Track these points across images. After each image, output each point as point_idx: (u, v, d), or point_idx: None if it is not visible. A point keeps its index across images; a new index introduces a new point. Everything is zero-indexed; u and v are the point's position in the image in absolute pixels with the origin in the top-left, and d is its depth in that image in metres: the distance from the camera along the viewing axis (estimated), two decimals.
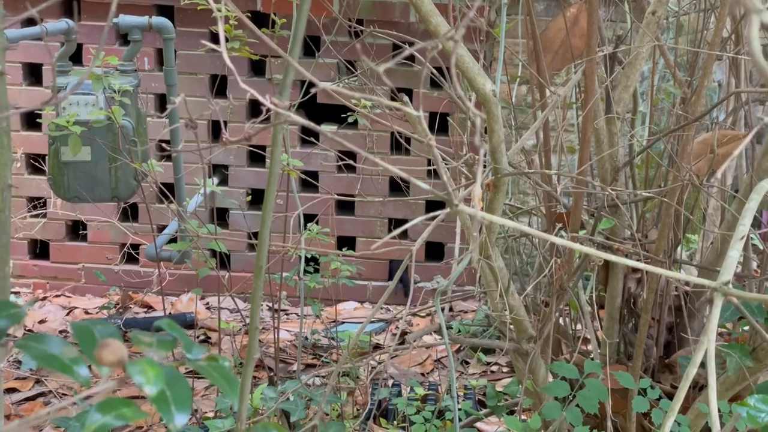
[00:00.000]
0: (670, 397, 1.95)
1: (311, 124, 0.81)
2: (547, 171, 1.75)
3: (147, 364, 0.55)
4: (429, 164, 3.54)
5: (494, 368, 3.22)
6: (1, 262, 0.85)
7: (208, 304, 3.73)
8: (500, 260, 1.88)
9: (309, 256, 3.24)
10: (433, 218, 1.09)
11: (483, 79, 1.59)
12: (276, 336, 2.60)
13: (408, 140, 3.46)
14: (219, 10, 2.56)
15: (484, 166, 1.92)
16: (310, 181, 3.53)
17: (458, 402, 2.64)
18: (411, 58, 3.08)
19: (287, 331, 3.45)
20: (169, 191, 3.58)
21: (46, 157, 3.08)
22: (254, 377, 3.02)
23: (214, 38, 3.38)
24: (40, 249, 3.84)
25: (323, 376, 2.91)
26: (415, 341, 1.86)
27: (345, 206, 3.81)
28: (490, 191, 1.73)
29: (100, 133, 2.88)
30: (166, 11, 3.53)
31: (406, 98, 2.13)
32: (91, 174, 2.99)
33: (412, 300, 3.52)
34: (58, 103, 2.93)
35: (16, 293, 3.78)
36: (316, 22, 2.88)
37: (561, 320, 2.23)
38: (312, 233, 2.71)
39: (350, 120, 2.66)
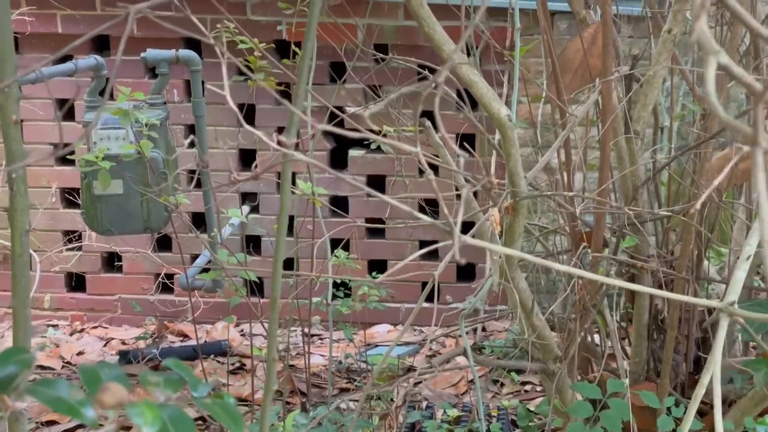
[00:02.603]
0: (701, 414, 1.95)
1: (319, 164, 0.83)
2: (564, 193, 1.77)
3: (146, 406, 0.58)
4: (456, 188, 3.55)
5: (528, 387, 3.22)
6: (21, 305, 0.88)
7: (242, 330, 3.76)
8: (523, 282, 1.89)
9: (339, 281, 3.26)
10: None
11: (498, 104, 1.61)
12: (307, 361, 2.62)
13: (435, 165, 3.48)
14: (244, 42, 2.61)
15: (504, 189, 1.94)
16: (338, 208, 3.56)
17: (489, 423, 2.65)
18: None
19: (321, 355, 3.47)
20: (201, 220, 3.63)
21: (80, 191, 3.14)
22: (288, 403, 3.04)
23: (242, 70, 3.43)
24: (76, 281, 3.90)
25: (356, 401, 2.92)
26: (440, 365, 1.88)
27: (375, 230, 3.83)
28: (510, 214, 1.74)
29: (130, 166, 2.93)
30: (194, 44, 3.58)
31: (428, 123, 2.15)
32: (123, 207, 3.04)
33: (444, 322, 3.53)
34: (80, 138, 2.98)
35: (54, 326, 3.83)
36: (338, 50, 2.92)
37: (589, 338, 2.24)
38: (340, 259, 2.73)
39: (373, 147, 2.69)
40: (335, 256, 2.72)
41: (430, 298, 3.56)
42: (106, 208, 3.03)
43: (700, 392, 0.93)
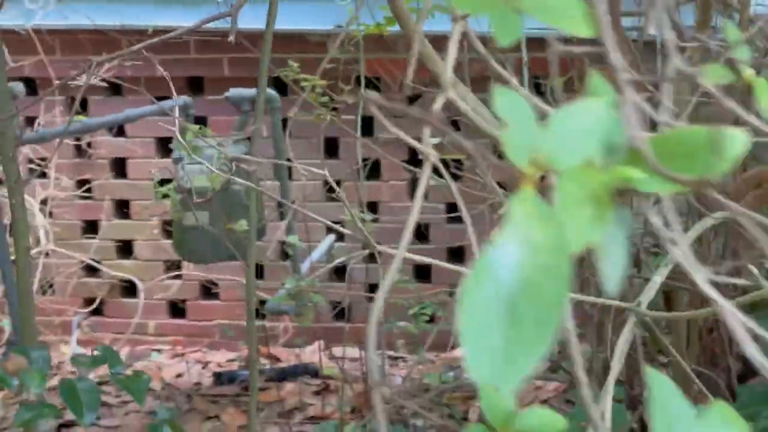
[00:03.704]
0: None
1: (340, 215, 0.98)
2: None
3: (36, 372, 0.74)
4: None
5: None
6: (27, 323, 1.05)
7: (331, 354, 3.93)
8: None
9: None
10: None
11: None
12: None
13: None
14: (306, 80, 2.79)
15: None
16: (418, 234, 3.71)
17: None
18: None
19: (400, 377, 3.61)
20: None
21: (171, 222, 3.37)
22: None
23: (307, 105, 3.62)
24: (177, 308, 4.14)
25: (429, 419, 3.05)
26: None
27: (456, 256, 3.95)
28: None
29: (216, 199, 3.14)
30: (279, 82, 3.79)
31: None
32: (209, 236, 3.25)
33: None
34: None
35: (158, 350, 4.08)
36: (419, 85, 3.08)
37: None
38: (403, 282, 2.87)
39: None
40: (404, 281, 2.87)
41: None
42: (193, 237, 3.25)
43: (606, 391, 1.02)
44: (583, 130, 0.42)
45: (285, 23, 3.09)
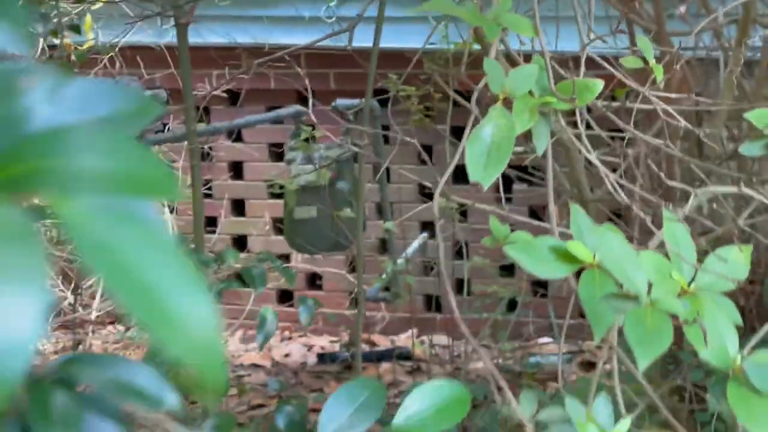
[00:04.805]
0: None
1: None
2: None
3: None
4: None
5: None
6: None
7: (423, 341, 4.33)
8: None
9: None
10: None
11: None
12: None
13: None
14: (404, 90, 3.21)
15: None
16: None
17: None
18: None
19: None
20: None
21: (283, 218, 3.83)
22: None
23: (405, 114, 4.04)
24: (286, 297, 4.60)
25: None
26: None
27: None
28: None
29: (321, 195, 3.58)
30: (380, 93, 4.22)
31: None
32: (317, 229, 3.69)
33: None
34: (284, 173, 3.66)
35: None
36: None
37: None
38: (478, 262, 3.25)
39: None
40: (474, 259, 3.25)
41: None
42: (302, 230, 3.70)
43: None
44: (527, 77, 0.85)
45: (385, 41, 3.51)
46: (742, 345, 0.76)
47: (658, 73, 1.14)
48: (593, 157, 1.08)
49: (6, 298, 0.30)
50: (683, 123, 1.21)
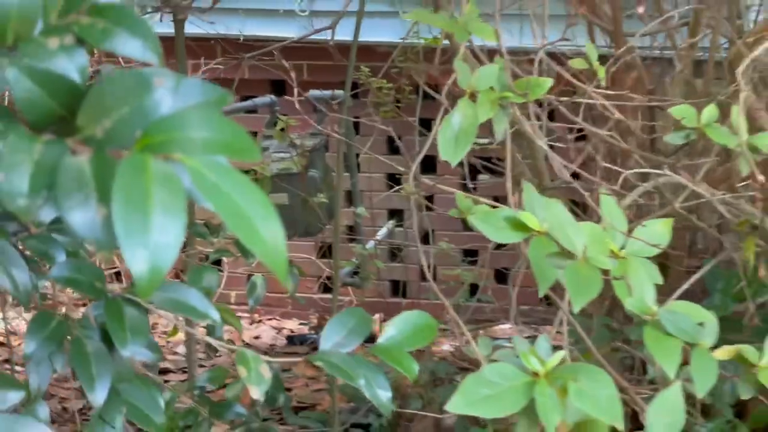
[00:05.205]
0: None
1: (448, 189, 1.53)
2: None
3: None
4: None
5: None
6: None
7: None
8: None
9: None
10: None
11: None
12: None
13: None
14: (381, 85, 3.36)
15: None
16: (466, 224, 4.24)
17: None
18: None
19: (450, 345, 4.16)
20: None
21: None
22: None
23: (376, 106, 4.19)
24: None
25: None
26: None
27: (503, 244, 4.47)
28: None
29: (294, 182, 3.73)
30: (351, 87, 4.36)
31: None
32: (290, 215, 3.83)
33: None
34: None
35: (238, 318, 4.67)
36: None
37: None
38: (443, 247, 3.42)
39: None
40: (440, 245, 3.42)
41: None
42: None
43: None
44: (489, 75, 1.01)
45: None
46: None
47: (601, 73, 1.30)
48: (543, 143, 1.24)
49: (164, 217, 0.46)
50: (620, 116, 1.37)
